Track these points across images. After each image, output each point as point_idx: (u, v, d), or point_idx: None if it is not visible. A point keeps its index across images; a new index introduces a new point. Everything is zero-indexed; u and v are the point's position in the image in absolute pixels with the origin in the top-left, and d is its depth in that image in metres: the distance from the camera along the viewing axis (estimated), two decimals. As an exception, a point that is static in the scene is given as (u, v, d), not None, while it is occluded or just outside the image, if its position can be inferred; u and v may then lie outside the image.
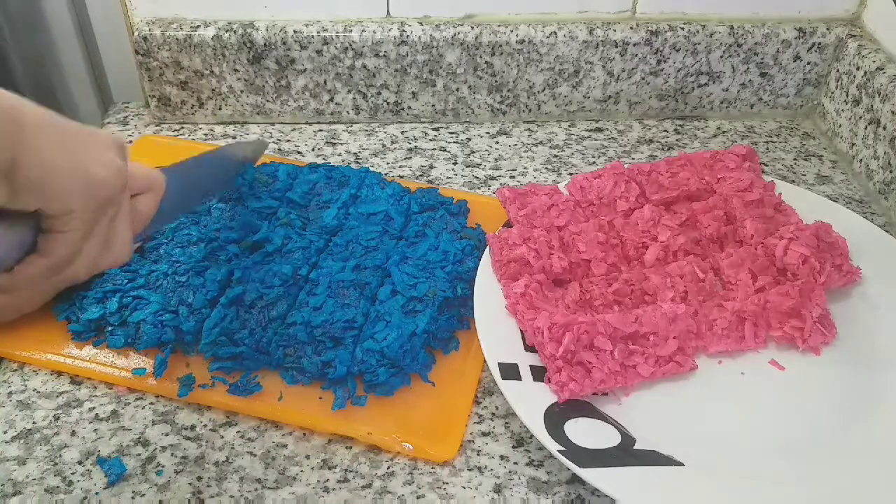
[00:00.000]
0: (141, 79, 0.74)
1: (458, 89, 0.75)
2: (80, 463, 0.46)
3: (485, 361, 0.50)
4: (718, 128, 0.78)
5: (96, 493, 0.44)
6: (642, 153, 0.74)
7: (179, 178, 0.53)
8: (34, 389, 0.50)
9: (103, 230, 0.43)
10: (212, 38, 0.71)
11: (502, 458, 0.47)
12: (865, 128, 0.70)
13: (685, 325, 0.50)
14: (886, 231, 0.61)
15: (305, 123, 0.77)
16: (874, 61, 0.70)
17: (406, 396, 0.49)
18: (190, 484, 0.45)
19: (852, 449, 0.46)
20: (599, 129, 0.78)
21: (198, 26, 0.72)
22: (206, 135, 0.75)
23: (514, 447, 0.48)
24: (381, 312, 0.52)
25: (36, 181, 0.38)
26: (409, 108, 0.77)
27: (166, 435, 0.48)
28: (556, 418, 0.46)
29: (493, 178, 0.70)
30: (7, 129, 0.36)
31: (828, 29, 0.75)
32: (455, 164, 0.72)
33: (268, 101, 0.75)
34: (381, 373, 0.48)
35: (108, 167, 0.41)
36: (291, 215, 0.59)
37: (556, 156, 0.73)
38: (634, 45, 0.73)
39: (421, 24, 0.72)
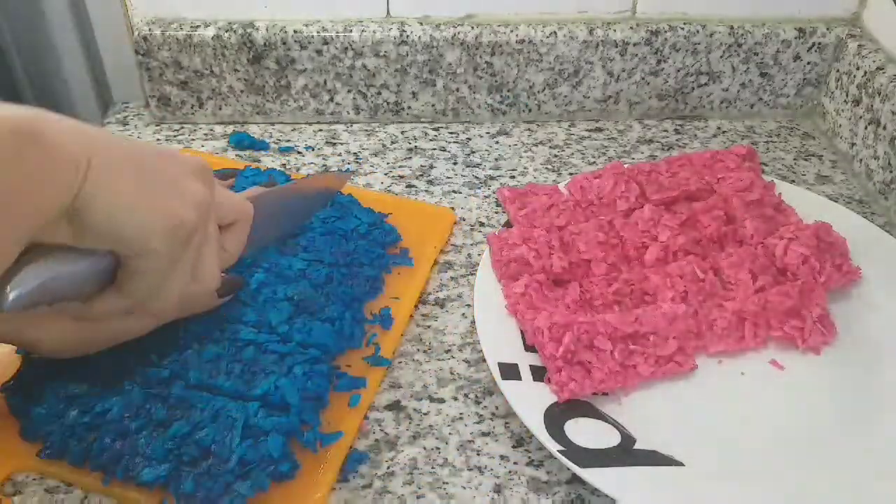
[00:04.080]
0: (141, 79, 0.74)
1: (458, 89, 0.75)
2: (79, 463, 0.46)
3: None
4: (718, 128, 0.78)
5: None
6: (642, 153, 0.74)
7: (268, 206, 0.50)
8: (34, 389, 0.50)
9: (188, 262, 0.39)
10: (212, 38, 0.71)
11: (502, 458, 0.47)
12: (865, 128, 0.70)
13: (685, 325, 0.50)
14: (886, 231, 0.61)
15: (305, 123, 0.77)
16: (874, 61, 0.70)
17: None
18: (190, 484, 0.45)
19: (852, 449, 0.46)
20: (599, 129, 0.78)
21: (198, 26, 0.72)
22: (206, 135, 0.75)
23: (514, 447, 0.48)
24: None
25: (105, 224, 0.33)
26: (409, 108, 0.77)
27: (166, 435, 0.48)
28: (556, 418, 0.46)
29: (493, 178, 0.70)
30: (66, 168, 0.32)
31: (828, 29, 0.75)
32: (455, 164, 0.72)
33: (268, 101, 0.75)
34: None
35: (192, 202, 0.37)
36: None
37: (556, 156, 0.73)
38: (634, 45, 0.73)
39: (421, 24, 0.72)
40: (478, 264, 0.58)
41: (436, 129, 0.77)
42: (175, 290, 0.39)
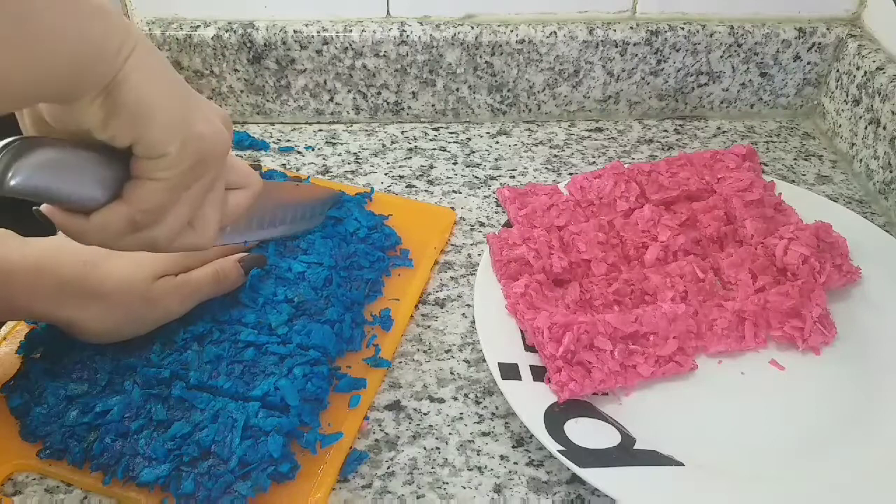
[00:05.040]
0: (141, 79, 0.74)
1: (458, 89, 0.75)
2: (80, 463, 0.46)
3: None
4: (718, 128, 0.78)
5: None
6: (642, 153, 0.74)
7: (272, 193, 0.50)
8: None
9: (193, 200, 0.39)
10: (212, 38, 0.71)
11: (502, 458, 0.47)
12: (865, 128, 0.70)
13: (685, 325, 0.50)
14: (886, 231, 0.61)
15: (305, 123, 0.77)
16: (874, 61, 0.70)
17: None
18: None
19: (852, 449, 0.46)
20: (599, 129, 0.78)
21: (198, 26, 0.72)
22: (206, 135, 0.75)
23: (514, 447, 0.48)
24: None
25: (137, 104, 0.34)
26: (409, 108, 0.77)
27: (166, 435, 0.48)
28: (556, 418, 0.46)
29: (493, 178, 0.70)
30: (121, 38, 0.33)
31: (828, 29, 0.75)
32: (455, 164, 0.72)
33: (268, 101, 0.75)
34: None
35: (212, 126, 0.38)
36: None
37: (556, 156, 0.73)
38: (634, 45, 0.73)
39: (421, 24, 0.72)
40: (478, 264, 0.58)
41: (436, 129, 0.77)
42: (177, 220, 0.39)
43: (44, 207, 0.36)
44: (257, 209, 0.48)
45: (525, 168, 0.72)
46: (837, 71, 0.75)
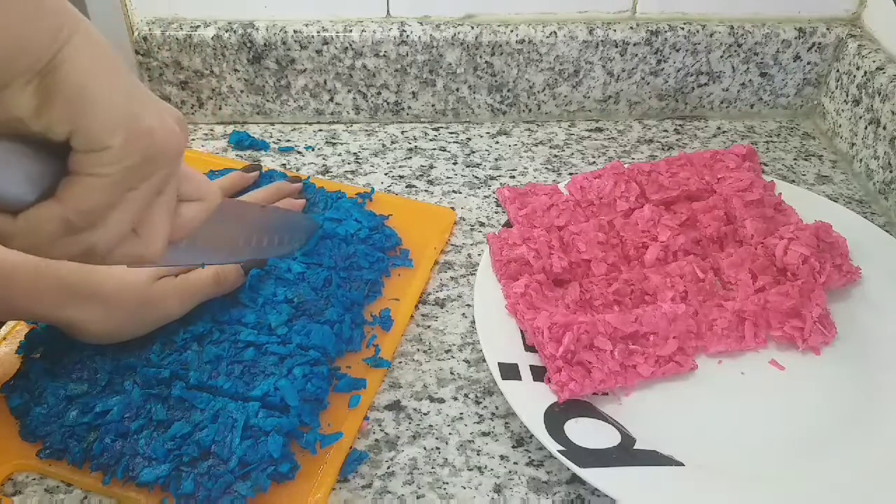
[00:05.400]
0: (141, 79, 0.74)
1: (458, 89, 0.75)
2: (80, 463, 0.46)
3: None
4: (718, 128, 0.78)
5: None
6: (642, 153, 0.74)
7: (234, 211, 0.47)
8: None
9: (138, 202, 0.35)
10: (212, 38, 0.71)
11: (502, 458, 0.47)
12: (865, 128, 0.70)
13: (685, 325, 0.50)
14: (886, 231, 0.61)
15: (305, 123, 0.77)
16: (874, 61, 0.70)
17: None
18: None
19: (852, 449, 0.46)
20: (599, 129, 0.78)
21: (198, 26, 0.72)
22: (206, 135, 0.75)
23: (514, 447, 0.48)
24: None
25: (75, 90, 0.30)
26: (409, 108, 0.77)
27: (166, 435, 0.48)
28: (556, 418, 0.46)
29: (493, 178, 0.70)
30: (57, 21, 0.30)
31: (828, 29, 0.75)
32: (455, 164, 0.72)
33: (268, 101, 0.75)
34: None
35: (163, 122, 0.34)
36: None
37: (556, 156, 0.73)
38: (634, 45, 0.73)
39: (421, 24, 0.72)
40: (478, 264, 0.58)
41: (436, 129, 0.77)
42: (119, 225, 0.34)
43: None
44: (220, 228, 0.45)
45: (525, 168, 0.72)
46: (837, 71, 0.75)
